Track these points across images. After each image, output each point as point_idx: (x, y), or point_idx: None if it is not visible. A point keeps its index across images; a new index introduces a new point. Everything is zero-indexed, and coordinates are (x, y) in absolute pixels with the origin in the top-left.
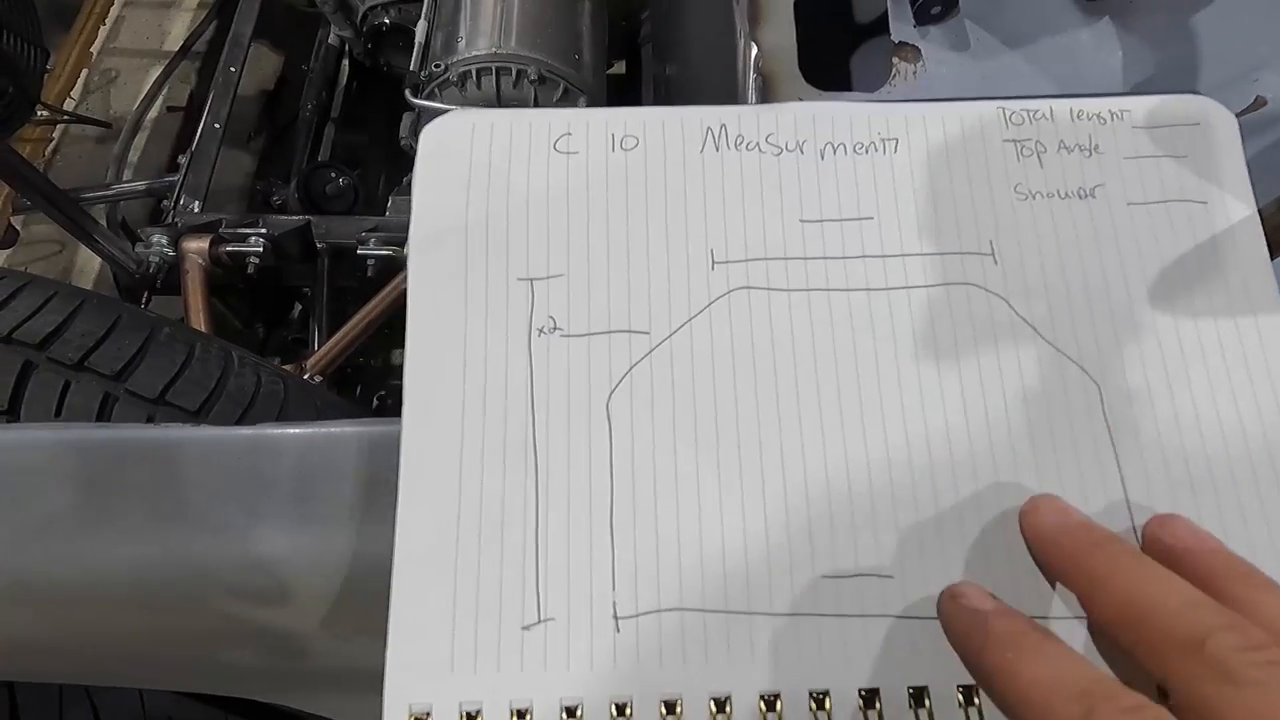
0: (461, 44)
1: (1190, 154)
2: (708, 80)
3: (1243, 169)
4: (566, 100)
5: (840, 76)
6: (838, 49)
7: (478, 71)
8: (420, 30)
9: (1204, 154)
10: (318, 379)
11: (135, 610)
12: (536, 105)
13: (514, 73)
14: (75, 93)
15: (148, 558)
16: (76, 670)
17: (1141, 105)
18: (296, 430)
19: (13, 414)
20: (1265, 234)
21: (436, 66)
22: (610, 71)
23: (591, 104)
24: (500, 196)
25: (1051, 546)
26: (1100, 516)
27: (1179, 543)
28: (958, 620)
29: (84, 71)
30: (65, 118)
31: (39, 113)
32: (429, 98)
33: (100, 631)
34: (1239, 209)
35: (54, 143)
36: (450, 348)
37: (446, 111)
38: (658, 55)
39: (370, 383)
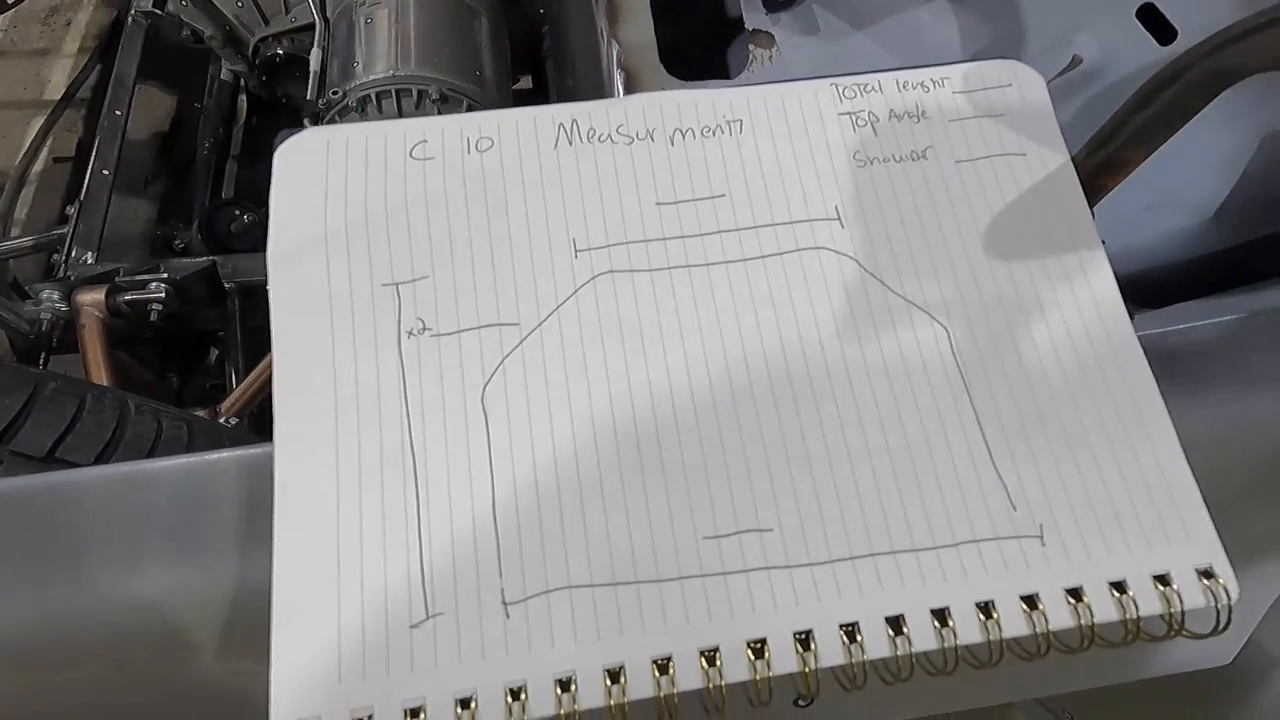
0: (359, 68)
1: (1006, 112)
2: (587, 84)
3: (1053, 122)
4: None
5: (719, 68)
6: (713, 43)
7: (377, 95)
8: (315, 58)
9: (1018, 111)
10: (234, 421)
11: (19, 670)
12: None
13: (414, 93)
14: None
15: (24, 614)
16: None
17: (958, 72)
18: (172, 462)
19: None
20: (1080, 179)
21: (334, 93)
22: (518, 87)
23: None
24: (359, 207)
25: None
26: (958, 449)
27: None
28: None
29: None
30: None
31: None
32: (330, 125)
33: None
34: (1055, 158)
35: None
36: (318, 360)
37: None
38: (557, 67)
39: None
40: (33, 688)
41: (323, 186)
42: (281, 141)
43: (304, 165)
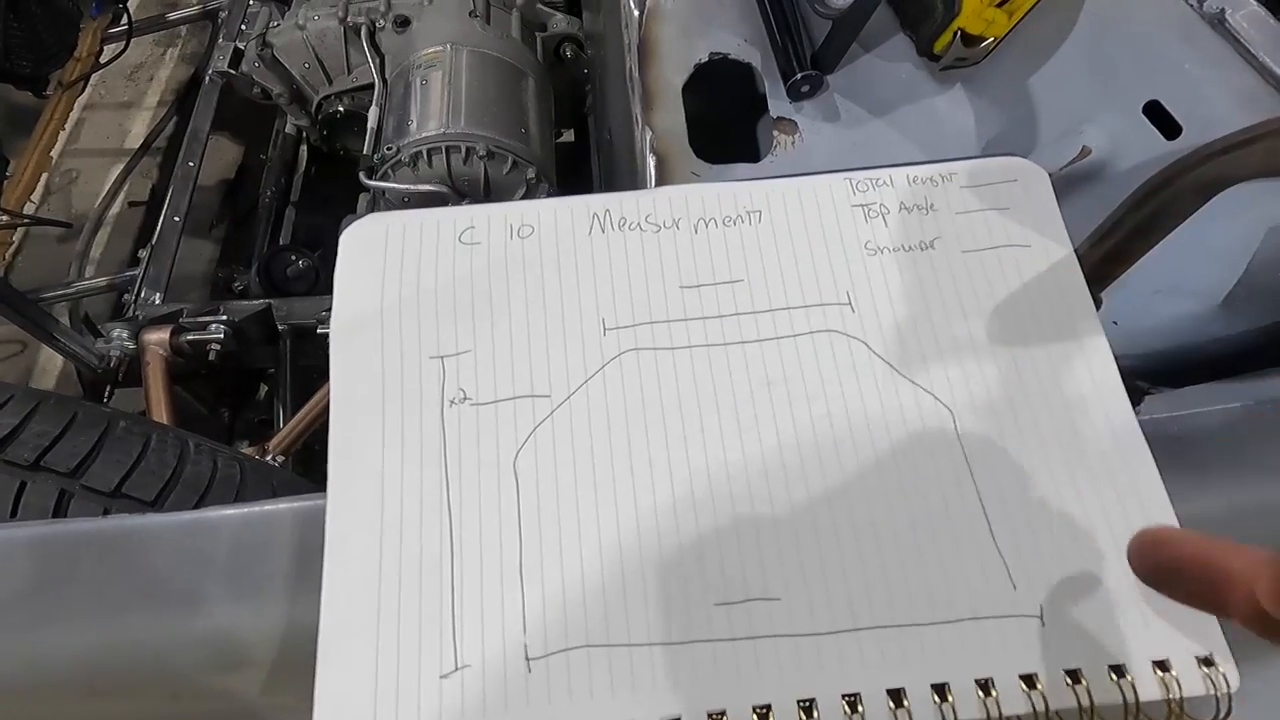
0: (412, 126)
1: (1011, 206)
2: (622, 146)
3: (1057, 215)
4: (516, 171)
5: (746, 145)
6: (745, 119)
7: (429, 151)
8: (372, 116)
9: (1023, 205)
10: (280, 459)
11: (84, 697)
12: (487, 179)
13: (463, 150)
14: (36, 195)
15: (95, 645)
16: None
17: (966, 168)
18: (233, 511)
19: None
20: (1084, 269)
21: (389, 149)
22: (560, 140)
23: (540, 172)
24: (412, 286)
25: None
26: (961, 528)
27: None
28: None
29: (44, 175)
30: (25, 221)
31: None
32: (383, 179)
33: None
34: (1058, 250)
35: (15, 246)
36: (369, 424)
37: (399, 191)
38: (598, 123)
39: None
40: (97, 714)
41: (381, 266)
42: (347, 225)
43: (366, 247)
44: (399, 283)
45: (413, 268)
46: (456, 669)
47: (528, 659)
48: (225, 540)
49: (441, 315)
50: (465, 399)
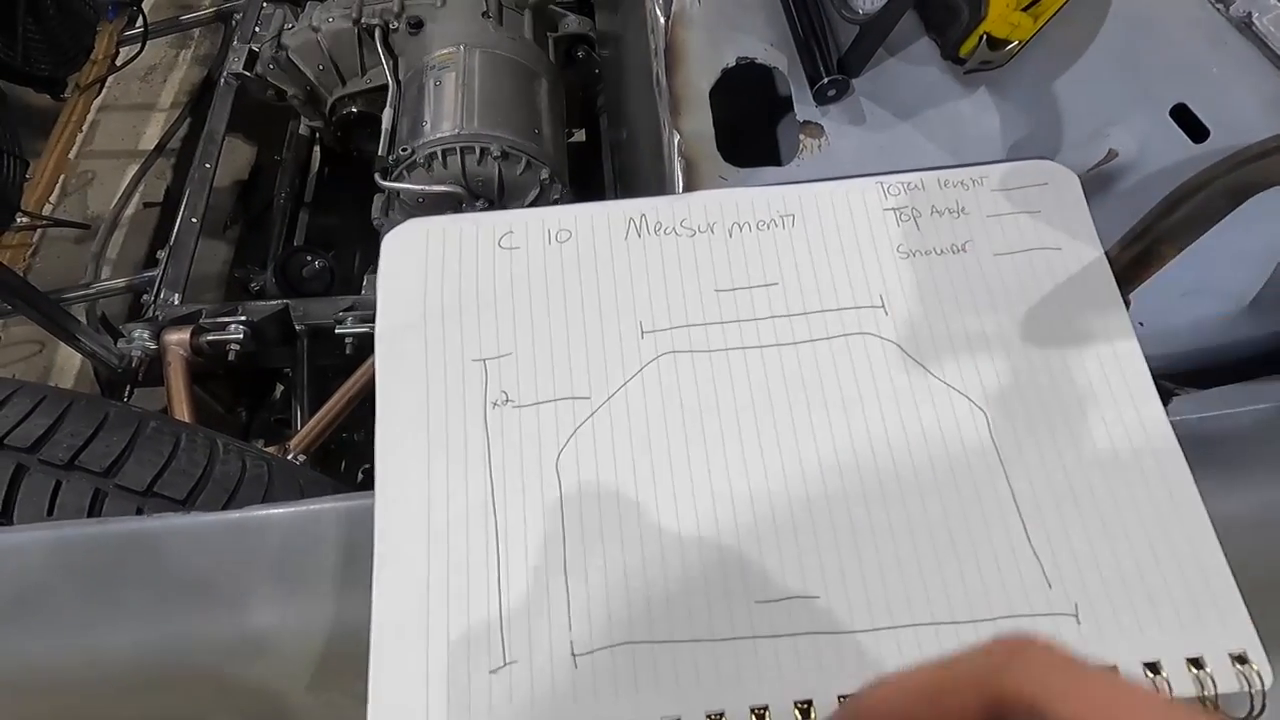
0: (426, 127)
1: (1042, 209)
2: (646, 149)
3: (1088, 218)
4: (529, 171)
5: (770, 146)
6: (765, 122)
7: (443, 152)
8: (386, 117)
9: (1053, 208)
10: (301, 458)
11: (136, 691)
12: (501, 180)
13: (477, 151)
14: (53, 197)
15: (147, 642)
16: None
17: (997, 171)
18: (280, 510)
19: (6, 516)
20: (1114, 271)
21: (404, 150)
22: (572, 140)
23: (553, 172)
24: (454, 290)
25: None
26: (996, 527)
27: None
28: None
29: (62, 176)
30: (44, 222)
31: (19, 219)
32: (398, 179)
33: (102, 717)
34: (1089, 252)
35: (34, 247)
36: (415, 425)
37: (414, 192)
38: (611, 123)
39: (354, 457)
40: (147, 710)
41: (423, 271)
42: (389, 230)
43: (408, 251)
44: (441, 287)
45: (454, 272)
46: (505, 664)
47: (574, 655)
48: (274, 539)
49: (483, 318)
50: (507, 401)
